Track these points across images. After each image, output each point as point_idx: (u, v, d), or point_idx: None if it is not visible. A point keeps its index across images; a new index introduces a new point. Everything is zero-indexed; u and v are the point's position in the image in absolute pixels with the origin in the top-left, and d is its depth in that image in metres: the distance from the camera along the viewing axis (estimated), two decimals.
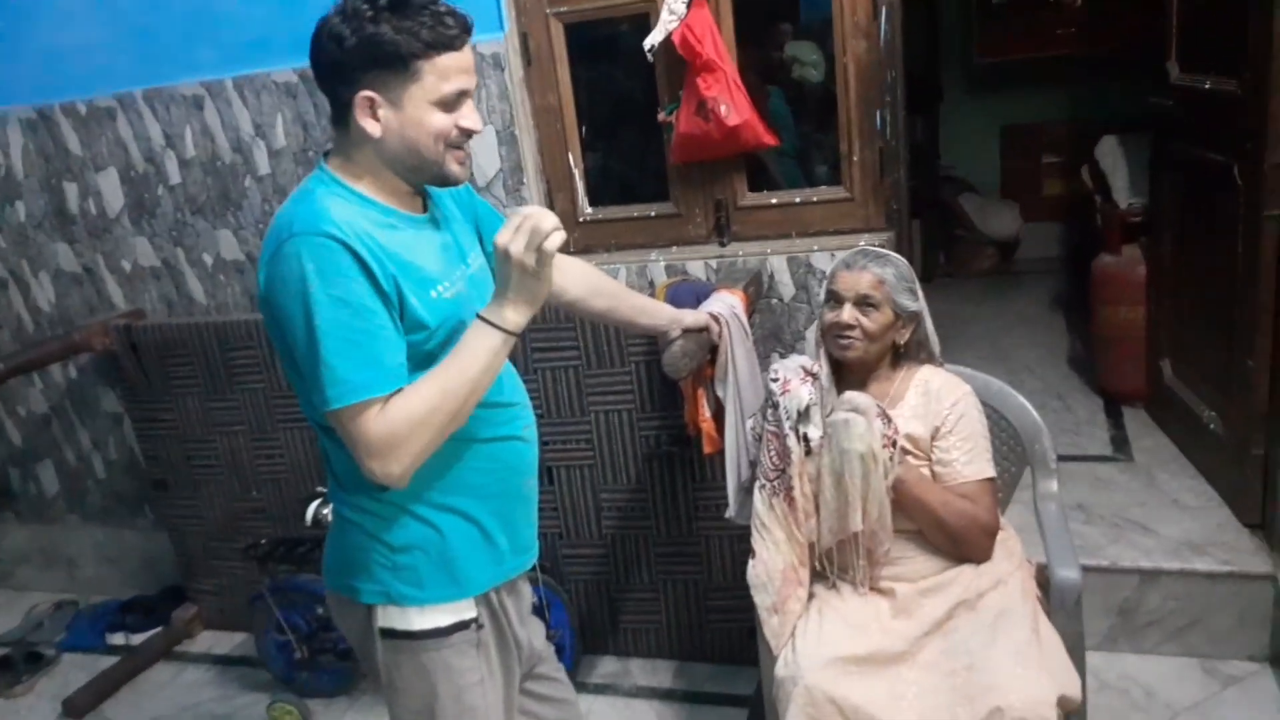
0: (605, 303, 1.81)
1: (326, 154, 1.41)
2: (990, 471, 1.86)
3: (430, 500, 1.41)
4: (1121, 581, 2.44)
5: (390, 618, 1.44)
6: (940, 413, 1.86)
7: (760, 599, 1.85)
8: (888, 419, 1.80)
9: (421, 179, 1.40)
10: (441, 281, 1.39)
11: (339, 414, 1.27)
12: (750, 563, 1.88)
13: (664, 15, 2.37)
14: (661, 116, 2.51)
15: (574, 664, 2.64)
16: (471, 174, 2.58)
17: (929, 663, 1.71)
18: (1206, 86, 2.56)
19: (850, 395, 1.80)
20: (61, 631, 3.30)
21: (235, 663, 3.04)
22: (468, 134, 1.36)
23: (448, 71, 1.31)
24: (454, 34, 1.30)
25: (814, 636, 1.78)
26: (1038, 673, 1.63)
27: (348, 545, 1.46)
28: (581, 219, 2.68)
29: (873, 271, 1.85)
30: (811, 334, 2.49)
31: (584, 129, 2.66)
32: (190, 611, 3.19)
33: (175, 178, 2.93)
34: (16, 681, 3.05)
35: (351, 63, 1.28)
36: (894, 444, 1.78)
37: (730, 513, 2.15)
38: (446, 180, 1.40)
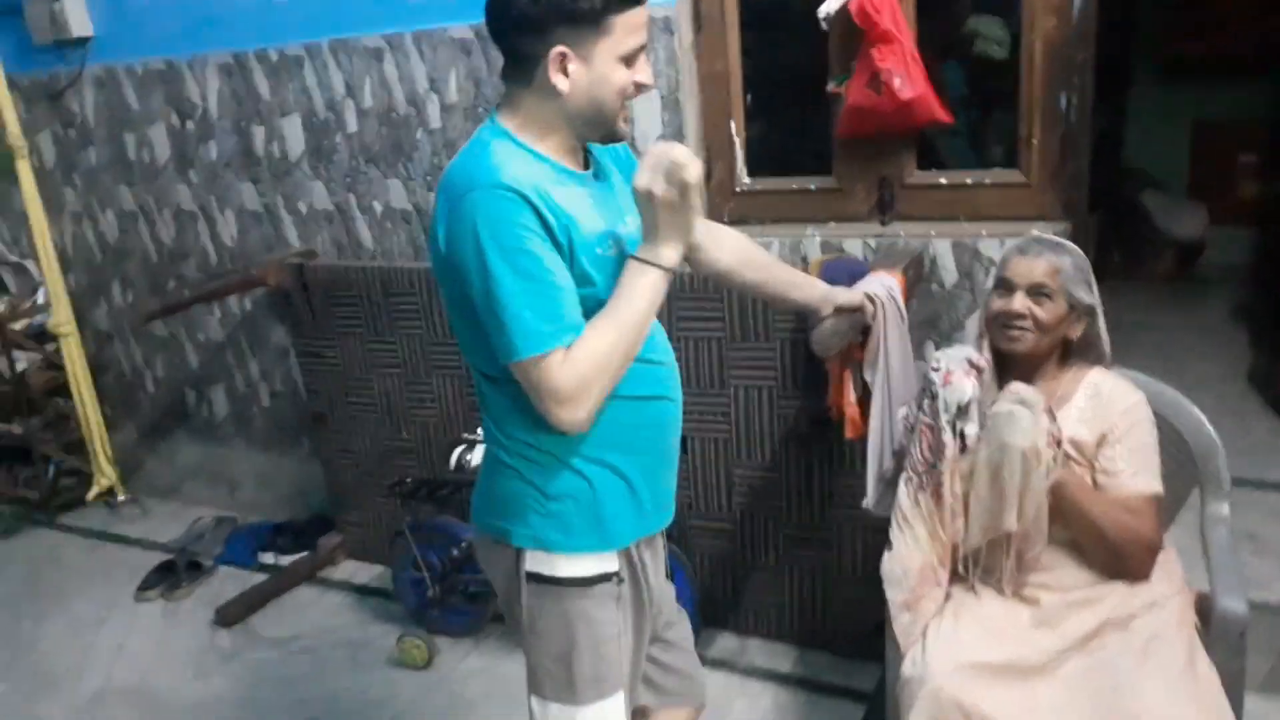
0: (757, 274, 1.77)
1: (497, 106, 1.43)
2: (1158, 487, 1.75)
3: (584, 452, 1.44)
4: None
5: (538, 562, 1.47)
6: (1110, 418, 1.76)
7: (893, 594, 1.79)
8: (1053, 417, 1.70)
9: (594, 135, 1.41)
10: (607, 239, 1.40)
11: (525, 364, 1.30)
12: (886, 555, 1.82)
13: None
14: (831, 87, 2.44)
15: (694, 634, 2.64)
16: (633, 135, 2.59)
17: (1070, 679, 1.63)
18: None
19: (1017, 386, 1.71)
20: (220, 546, 3.53)
21: (372, 593, 3.19)
22: (642, 89, 1.38)
23: (634, 26, 1.33)
24: None
25: (947, 639, 1.72)
26: (1190, 707, 1.54)
27: (501, 489, 1.49)
28: (739, 189, 2.65)
29: (1049, 259, 1.76)
30: (973, 324, 2.39)
31: (749, 98, 2.62)
32: (335, 540, 3.36)
33: (353, 126, 3.05)
34: (178, 586, 3.29)
35: (545, 16, 1.29)
36: (1058, 444, 1.69)
37: (868, 502, 2.09)
38: (616, 136, 1.42)
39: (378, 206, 3.11)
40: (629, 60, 1.34)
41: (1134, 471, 1.73)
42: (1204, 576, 1.81)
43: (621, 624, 1.52)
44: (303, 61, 3.05)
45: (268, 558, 3.42)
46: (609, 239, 1.41)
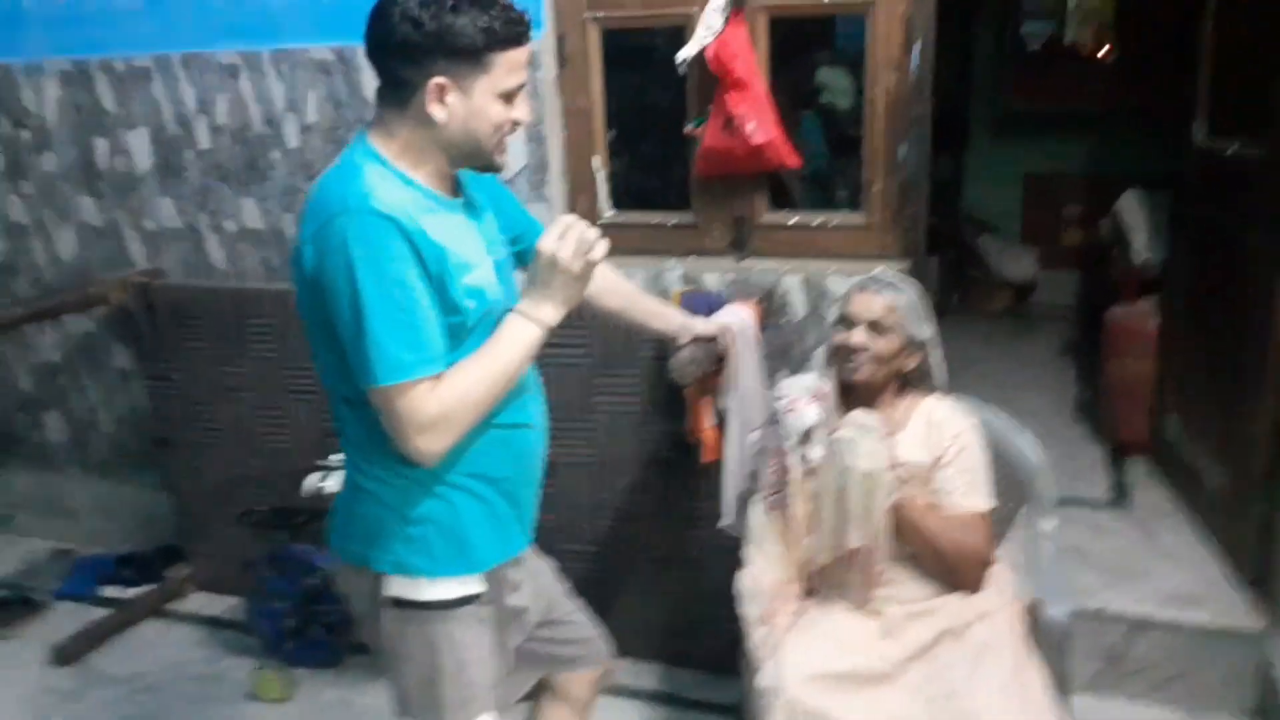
0: (619, 302, 1.83)
1: (367, 126, 1.42)
2: (988, 504, 1.87)
3: (445, 477, 1.44)
4: (1111, 627, 2.45)
5: (400, 587, 1.47)
6: (942, 443, 1.87)
7: (748, 609, 1.86)
8: (891, 444, 1.81)
9: (470, 164, 1.43)
10: (475, 268, 1.41)
11: (386, 391, 1.30)
12: (741, 573, 1.89)
13: (700, 30, 2.39)
14: (688, 129, 2.54)
15: None
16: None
17: (910, 686, 1.72)
18: (1229, 152, 2.57)
19: (858, 414, 1.81)
20: (56, 579, 3.32)
21: (224, 625, 3.05)
22: (517, 125, 1.41)
23: (515, 65, 1.36)
24: (523, 30, 1.35)
25: (799, 650, 1.78)
26: (1019, 709, 1.64)
27: (361, 514, 1.48)
28: (601, 221, 2.70)
29: (886, 296, 1.87)
30: (820, 354, 2.50)
31: (612, 134, 2.69)
32: (184, 571, 3.21)
33: (205, 143, 2.96)
34: (7, 624, 3.06)
35: (426, 47, 1.31)
36: (895, 467, 1.80)
37: (725, 522, 2.17)
38: (492, 167, 1.44)
39: (231, 226, 3.02)
40: (508, 97, 1.37)
41: (965, 491, 1.85)
42: (1033, 588, 1.94)
43: (485, 645, 1.52)
44: (150, 73, 2.95)
45: (111, 591, 3.23)
46: (478, 267, 1.42)
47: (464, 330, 1.39)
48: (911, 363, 1.91)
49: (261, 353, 2.85)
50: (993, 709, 1.63)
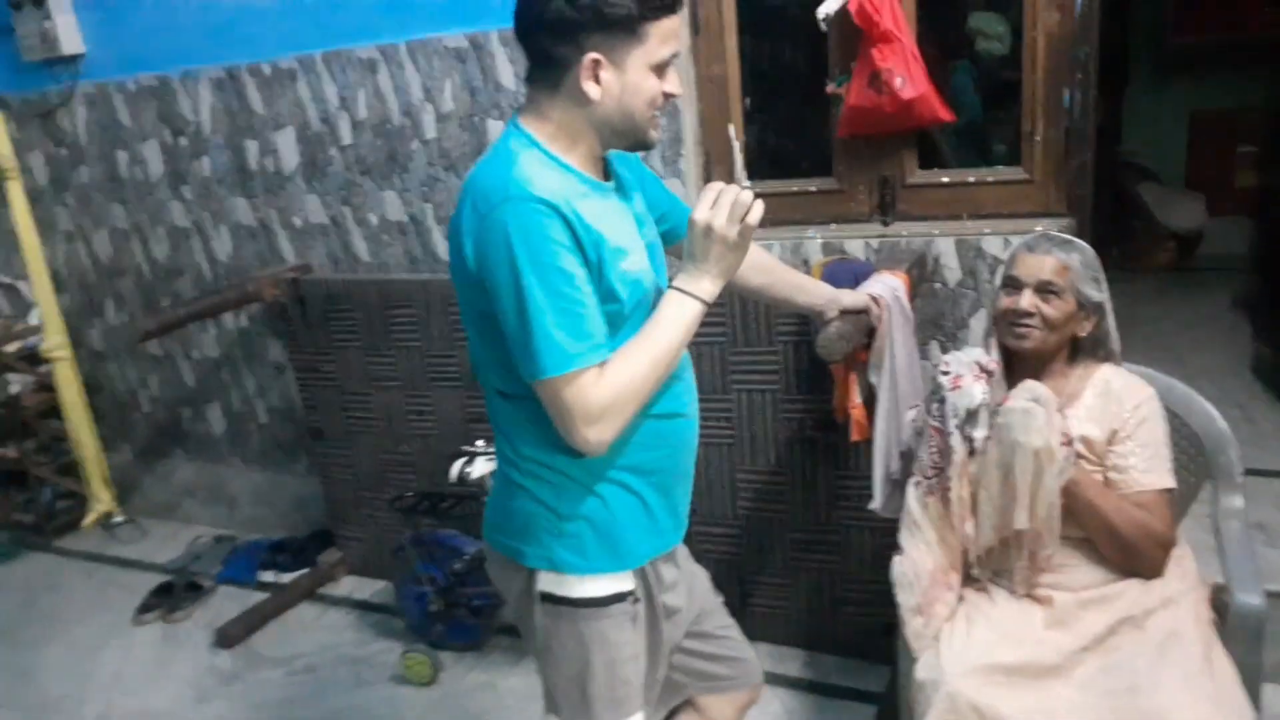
0: (761, 278, 1.76)
1: (519, 111, 1.40)
2: (1170, 482, 1.73)
3: (599, 472, 1.42)
4: None
5: (552, 583, 1.45)
6: (1120, 415, 1.74)
7: (904, 598, 1.77)
8: (1063, 416, 1.68)
9: (623, 144, 1.39)
10: (630, 254, 1.38)
11: (554, 382, 1.28)
12: (896, 559, 1.80)
13: None
14: (831, 88, 2.42)
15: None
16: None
17: (1086, 680, 1.60)
18: None
19: (1030, 384, 1.69)
20: (218, 564, 3.49)
21: (374, 609, 3.15)
22: (670, 99, 1.36)
23: (668, 34, 1.31)
24: None
25: (961, 641, 1.70)
26: (1209, 704, 1.51)
27: (514, 508, 1.47)
28: None
29: (1057, 256, 1.75)
30: (979, 323, 2.37)
31: (747, 100, 2.60)
32: (336, 556, 3.32)
33: (347, 138, 3.03)
34: (177, 608, 3.25)
35: (580, 22, 1.27)
36: (1070, 442, 1.67)
37: (875, 504, 2.08)
38: (645, 145, 1.40)
39: (373, 219, 3.09)
40: (660, 69, 1.33)
41: (1146, 468, 1.72)
42: (1218, 570, 1.79)
43: (638, 644, 1.49)
44: (295, 74, 3.03)
45: (268, 576, 3.38)
46: (633, 253, 1.39)
47: (620, 318, 1.37)
48: (1084, 329, 1.78)
49: (407, 342, 2.90)
50: (1180, 704, 1.50)
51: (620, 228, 1.38)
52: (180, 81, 3.22)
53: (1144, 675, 1.56)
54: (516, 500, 1.46)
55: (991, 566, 1.78)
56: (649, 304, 1.41)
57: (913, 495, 1.80)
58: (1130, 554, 1.70)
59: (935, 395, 1.78)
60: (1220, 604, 1.73)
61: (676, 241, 1.64)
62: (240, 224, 3.32)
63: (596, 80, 1.30)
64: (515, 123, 1.38)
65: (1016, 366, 1.81)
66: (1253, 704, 1.59)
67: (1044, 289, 1.75)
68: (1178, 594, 1.70)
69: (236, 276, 3.35)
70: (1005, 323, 1.78)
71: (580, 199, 1.32)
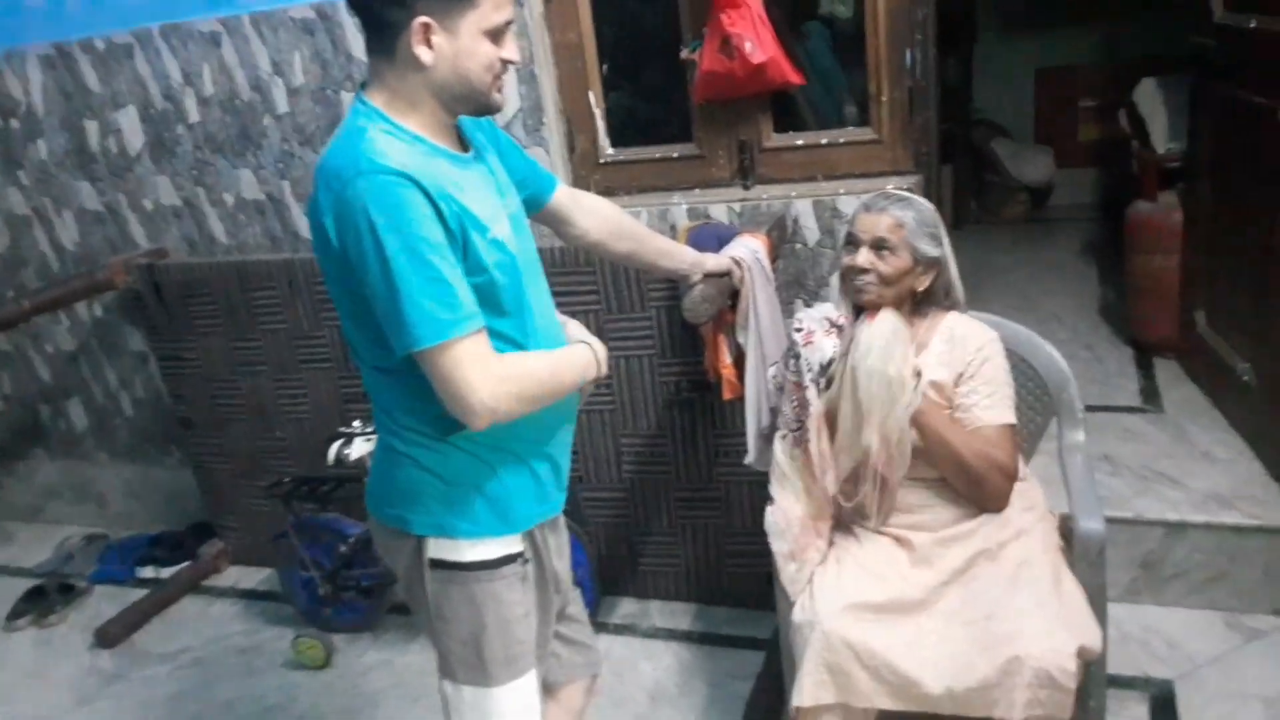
0: (628, 245, 1.79)
1: (363, 85, 1.38)
2: (1011, 418, 1.82)
3: (486, 441, 1.42)
4: (1146, 534, 2.42)
5: (441, 549, 1.46)
6: (964, 358, 1.82)
7: (778, 546, 1.84)
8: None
9: (466, 109, 1.38)
10: (494, 224, 1.38)
11: (429, 353, 1.28)
12: (768, 509, 1.87)
13: None
14: (684, 54, 2.45)
15: (594, 605, 2.66)
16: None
17: (948, 612, 1.70)
18: (1251, 25, 2.46)
19: (889, 314, 1.77)
20: (92, 564, 3.36)
21: (261, 597, 3.09)
22: (508, 65, 1.36)
23: (500, 2, 1.31)
24: None
25: (832, 583, 1.78)
26: (1058, 623, 1.62)
27: (399, 477, 1.47)
28: (602, 160, 2.64)
29: (892, 214, 1.80)
30: (835, 280, 2.45)
31: (605, 67, 2.60)
32: (217, 547, 3.24)
33: (195, 116, 2.91)
34: (50, 611, 3.12)
35: None
36: (918, 375, 1.76)
37: (750, 459, 2.14)
38: (489, 109, 1.39)
39: (229, 198, 2.98)
40: (495, 35, 1.32)
41: (988, 404, 1.80)
42: (1065, 501, 1.91)
43: (528, 603, 1.52)
44: (132, 49, 2.88)
45: (147, 572, 3.28)
46: (497, 222, 1.38)
47: (491, 289, 1.37)
48: (922, 283, 1.84)
49: (272, 325, 2.83)
50: (1032, 625, 1.61)
51: (482, 197, 1.38)
52: (5, 60, 3.03)
53: (999, 602, 1.66)
54: (401, 470, 1.46)
55: (853, 503, 1.85)
56: (518, 274, 1.42)
57: (779, 448, 1.87)
58: (976, 483, 1.79)
59: (791, 351, 1.84)
60: (1067, 532, 1.85)
61: (538, 209, 1.65)
62: (85, 209, 3.16)
63: (429, 44, 1.29)
64: (360, 98, 1.36)
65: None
66: (1100, 621, 1.71)
67: (879, 245, 1.80)
68: (1028, 525, 1.81)
69: (86, 264, 3.19)
70: (847, 279, 1.85)
71: (436, 171, 1.31)
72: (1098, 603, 1.74)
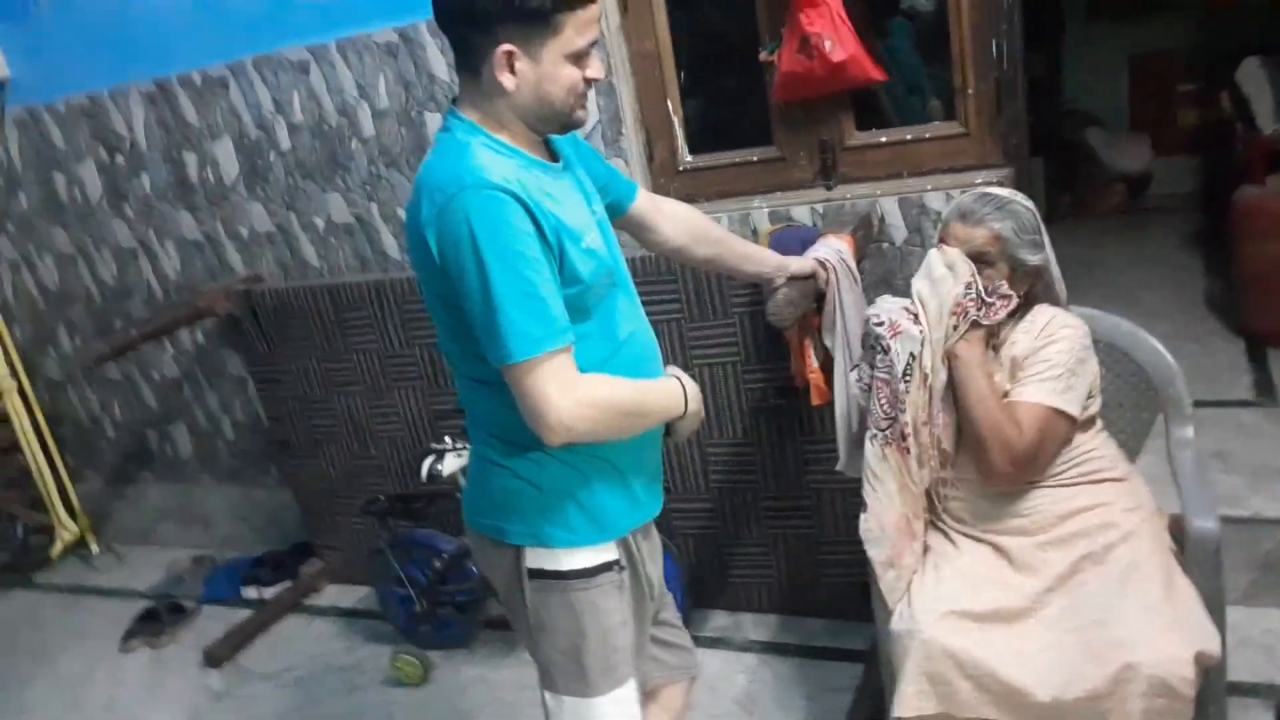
0: (709, 250, 1.77)
1: (454, 100, 1.40)
2: (1054, 401, 1.69)
3: (579, 449, 1.42)
4: (1265, 533, 2.30)
5: (539, 559, 1.47)
6: (1035, 340, 1.75)
7: (874, 553, 1.78)
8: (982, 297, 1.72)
9: (550, 129, 1.40)
10: (586, 233, 1.39)
11: (519, 367, 1.29)
12: (862, 516, 1.81)
13: None
14: (763, 56, 2.42)
15: (685, 617, 2.63)
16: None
17: (1054, 619, 1.64)
18: None
19: (952, 252, 1.72)
20: (200, 585, 3.47)
21: (360, 615, 3.14)
22: (591, 84, 1.37)
23: (585, 24, 1.31)
24: None
25: (931, 591, 1.72)
26: (1173, 628, 1.54)
27: (495, 488, 1.48)
28: (681, 167, 2.63)
29: (989, 226, 1.72)
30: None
31: (682, 74, 2.60)
32: (317, 566, 3.32)
33: (286, 143, 3.00)
34: (161, 632, 3.22)
35: (494, 13, 1.27)
36: (964, 314, 1.70)
37: (841, 465, 2.10)
38: (571, 127, 1.41)
39: (319, 222, 3.06)
40: (578, 58, 1.33)
41: (1037, 382, 1.71)
42: (1176, 501, 1.82)
43: (625, 611, 1.52)
44: (227, 82, 2.99)
45: (250, 592, 3.36)
46: (589, 231, 1.40)
47: (586, 298, 1.38)
48: (1021, 289, 1.76)
49: (364, 345, 2.88)
50: (1145, 632, 1.54)
51: (574, 207, 1.40)
52: (111, 98, 3.17)
53: (1108, 608, 1.59)
54: (497, 479, 1.47)
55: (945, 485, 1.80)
56: (609, 282, 1.43)
57: (870, 450, 1.81)
58: (976, 447, 1.71)
59: (876, 348, 1.78)
60: (1180, 533, 1.76)
61: (619, 216, 1.65)
62: (186, 238, 3.28)
63: (512, 70, 1.30)
64: (454, 113, 1.38)
65: None
66: (1218, 626, 1.62)
67: (976, 259, 1.71)
68: (1135, 527, 1.72)
69: (187, 292, 3.31)
70: None
71: (533, 182, 1.32)
72: (1215, 606, 1.65)
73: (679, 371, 1.57)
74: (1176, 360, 1.94)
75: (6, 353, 3.65)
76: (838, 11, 2.25)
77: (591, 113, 2.57)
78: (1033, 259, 1.73)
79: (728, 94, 2.76)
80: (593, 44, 1.34)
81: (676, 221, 1.73)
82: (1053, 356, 1.72)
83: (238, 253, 3.22)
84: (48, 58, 3.21)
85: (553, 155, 1.45)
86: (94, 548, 3.85)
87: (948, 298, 1.69)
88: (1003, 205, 1.74)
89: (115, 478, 3.89)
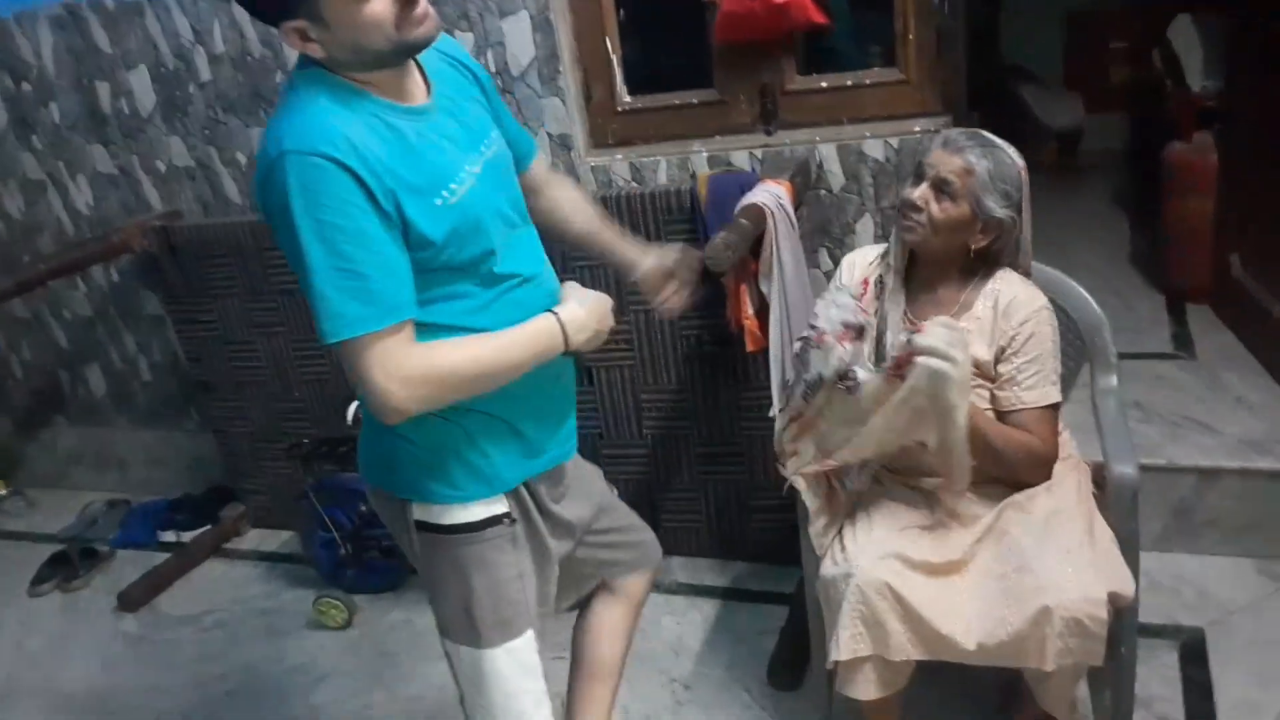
0: (583, 228, 1.69)
1: None
2: (1055, 397, 1.71)
3: (460, 404, 1.36)
4: (1179, 481, 2.37)
5: (425, 512, 1.44)
6: (1008, 331, 1.70)
7: (806, 499, 1.79)
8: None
9: (392, 63, 1.27)
10: (449, 183, 1.29)
11: (341, 349, 1.22)
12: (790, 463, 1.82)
13: None
14: None
15: None
16: (493, 63, 2.50)
17: (982, 569, 1.65)
18: None
19: (944, 324, 1.56)
20: (115, 529, 3.38)
21: (282, 560, 3.09)
22: (411, 3, 1.21)
23: None
24: None
25: (864, 538, 1.73)
26: (1089, 571, 1.57)
27: (378, 445, 1.45)
28: (620, 109, 2.57)
29: (966, 158, 1.65)
30: (864, 228, 2.39)
31: (621, 12, 2.53)
32: (238, 510, 3.24)
33: (206, 74, 2.86)
34: (74, 576, 3.13)
35: (267, 12, 1.20)
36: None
37: (774, 412, 2.09)
38: (413, 49, 1.26)
39: (242, 158, 2.94)
40: None
41: (1031, 384, 1.69)
42: (1098, 449, 1.85)
43: (521, 564, 1.48)
44: (142, 8, 2.83)
45: (168, 536, 3.29)
46: (454, 181, 1.29)
47: (445, 255, 1.28)
48: (979, 241, 1.70)
49: (289, 285, 2.79)
50: (1064, 575, 1.56)
51: (434, 154, 1.28)
52: (16, 22, 2.99)
53: (1030, 554, 1.61)
54: (381, 438, 1.42)
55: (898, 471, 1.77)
56: (483, 229, 1.32)
57: (780, 425, 1.77)
58: (1013, 473, 1.70)
59: (805, 342, 1.68)
60: (1100, 479, 1.80)
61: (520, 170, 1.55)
62: (99, 172, 3.13)
63: (311, 40, 1.20)
64: (302, 57, 1.26)
65: (914, 266, 1.78)
66: (1132, 570, 1.66)
67: (940, 186, 1.66)
68: (1059, 474, 1.75)
69: (101, 228, 3.17)
70: (900, 212, 1.72)
71: (373, 136, 1.22)
72: (1130, 550, 1.69)
73: (578, 294, 1.46)
74: (1101, 311, 1.96)
75: None
76: None
77: (527, 50, 2.50)
78: (998, 210, 1.67)
79: (668, 35, 2.70)
80: None
81: (564, 190, 1.67)
82: (1039, 351, 1.69)
83: (155, 188, 3.09)
84: None
85: (425, 94, 1.33)
86: (2, 491, 3.70)
87: (967, 367, 1.55)
88: (988, 145, 1.68)
89: (26, 420, 3.74)
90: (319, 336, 1.22)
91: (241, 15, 2.74)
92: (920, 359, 1.52)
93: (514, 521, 1.46)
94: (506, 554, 1.46)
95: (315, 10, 1.17)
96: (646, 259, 1.69)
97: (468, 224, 1.30)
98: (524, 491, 1.48)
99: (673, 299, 1.72)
